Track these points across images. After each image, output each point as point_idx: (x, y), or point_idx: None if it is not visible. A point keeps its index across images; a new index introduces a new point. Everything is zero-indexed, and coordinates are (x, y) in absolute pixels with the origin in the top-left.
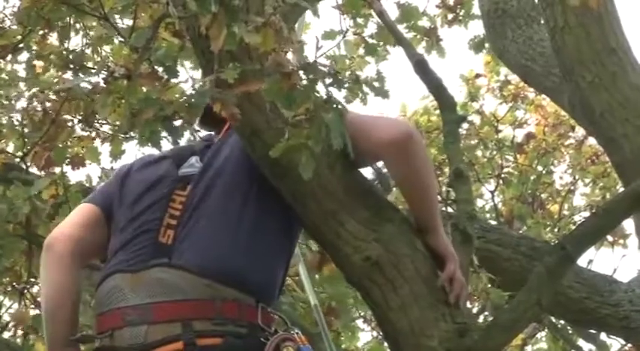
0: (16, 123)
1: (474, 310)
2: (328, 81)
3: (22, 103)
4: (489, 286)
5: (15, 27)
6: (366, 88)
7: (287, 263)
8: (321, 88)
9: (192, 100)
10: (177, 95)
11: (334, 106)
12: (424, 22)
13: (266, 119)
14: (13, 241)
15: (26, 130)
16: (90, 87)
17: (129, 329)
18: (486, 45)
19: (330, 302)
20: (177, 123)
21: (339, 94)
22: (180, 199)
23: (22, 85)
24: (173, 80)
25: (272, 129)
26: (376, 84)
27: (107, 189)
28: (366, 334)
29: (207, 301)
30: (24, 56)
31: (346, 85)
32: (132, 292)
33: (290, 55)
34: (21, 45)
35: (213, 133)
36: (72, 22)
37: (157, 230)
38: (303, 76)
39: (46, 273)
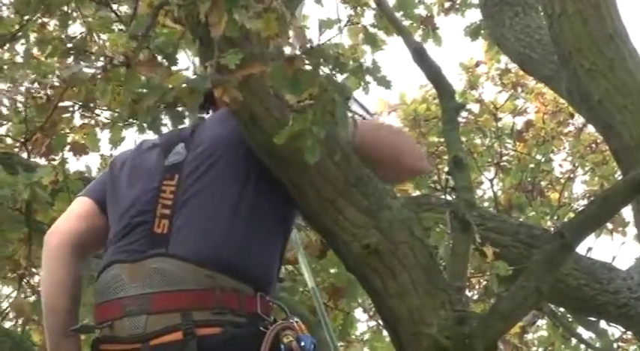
0: (19, 106)
1: (475, 296)
2: (331, 65)
3: (24, 88)
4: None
5: (12, 16)
6: (368, 78)
7: (283, 250)
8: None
9: (193, 84)
10: (179, 82)
11: (339, 88)
12: (421, 11)
13: (265, 107)
14: (13, 226)
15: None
16: (91, 73)
17: (128, 319)
18: (482, 32)
19: (335, 283)
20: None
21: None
22: (170, 188)
23: (23, 71)
24: (173, 68)
25: (271, 117)
26: (376, 73)
27: (102, 181)
28: (362, 324)
29: (207, 291)
30: (21, 46)
31: (349, 69)
32: (131, 283)
33: (292, 40)
34: (19, 33)
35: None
36: (70, 10)
37: (151, 222)
38: (307, 61)
39: (44, 267)
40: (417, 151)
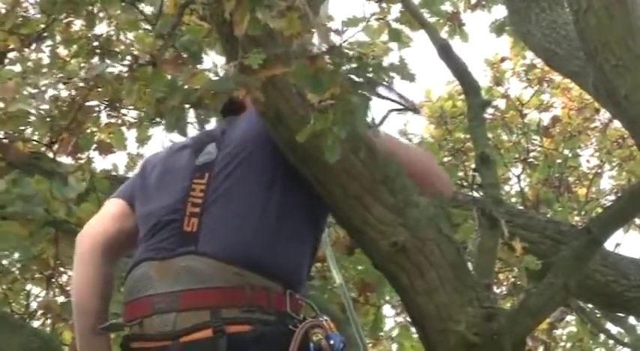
0: (44, 113)
1: (504, 292)
2: (354, 65)
3: (50, 92)
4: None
5: (38, 16)
6: (392, 73)
7: (314, 249)
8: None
9: (216, 85)
10: (202, 82)
11: (359, 91)
12: (447, 7)
13: (290, 105)
14: (41, 229)
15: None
16: (116, 72)
17: (158, 317)
18: (507, 28)
19: (363, 278)
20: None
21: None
22: (200, 187)
23: (49, 71)
24: (199, 66)
25: (296, 115)
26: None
27: (132, 182)
28: (389, 320)
29: (236, 289)
30: (47, 45)
31: (371, 69)
32: (160, 280)
33: (316, 39)
34: (45, 33)
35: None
36: (96, 10)
37: (181, 220)
38: (329, 60)
39: (76, 268)
40: (444, 176)
